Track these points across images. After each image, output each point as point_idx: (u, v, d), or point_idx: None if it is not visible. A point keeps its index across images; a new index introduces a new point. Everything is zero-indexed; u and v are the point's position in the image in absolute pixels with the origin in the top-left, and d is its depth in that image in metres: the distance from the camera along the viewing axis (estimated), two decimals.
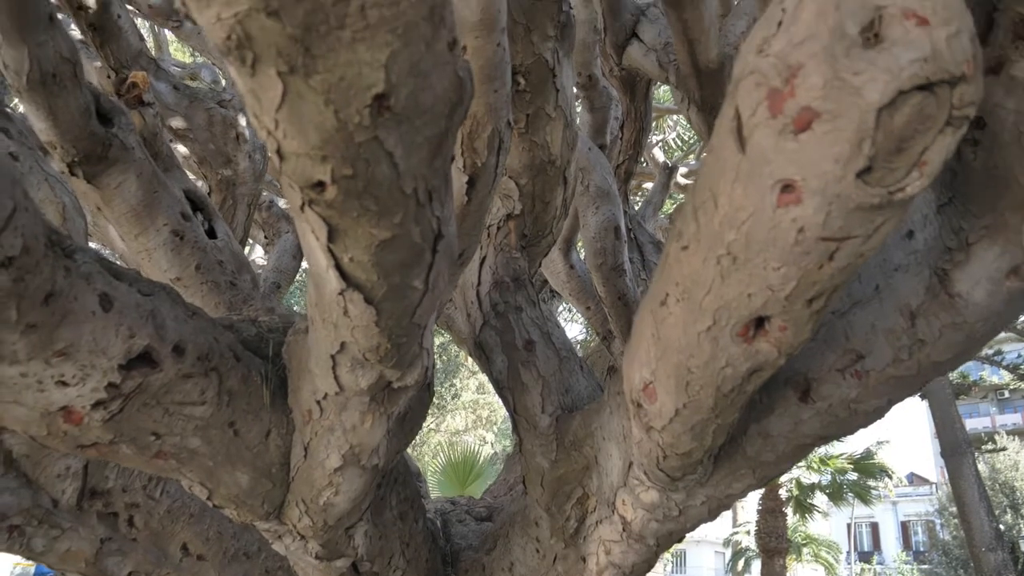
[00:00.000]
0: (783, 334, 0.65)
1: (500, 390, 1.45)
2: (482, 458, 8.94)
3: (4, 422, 0.94)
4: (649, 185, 4.97)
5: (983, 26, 0.70)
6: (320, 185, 0.60)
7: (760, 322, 0.66)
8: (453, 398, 14.61)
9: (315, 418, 1.09)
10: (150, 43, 4.36)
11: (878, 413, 0.94)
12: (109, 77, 2.60)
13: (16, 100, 1.24)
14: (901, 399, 0.93)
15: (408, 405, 1.15)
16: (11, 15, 1.06)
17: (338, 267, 0.72)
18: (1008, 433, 23.81)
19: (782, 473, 1.07)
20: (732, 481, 1.05)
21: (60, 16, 2.44)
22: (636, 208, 3.74)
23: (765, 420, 0.97)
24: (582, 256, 2.36)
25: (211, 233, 1.96)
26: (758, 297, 0.62)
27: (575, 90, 2.26)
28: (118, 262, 3.30)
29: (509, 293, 1.44)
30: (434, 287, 0.81)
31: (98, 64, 2.62)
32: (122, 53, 2.52)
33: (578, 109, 2.32)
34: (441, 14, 0.56)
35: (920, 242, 0.86)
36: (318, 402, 1.07)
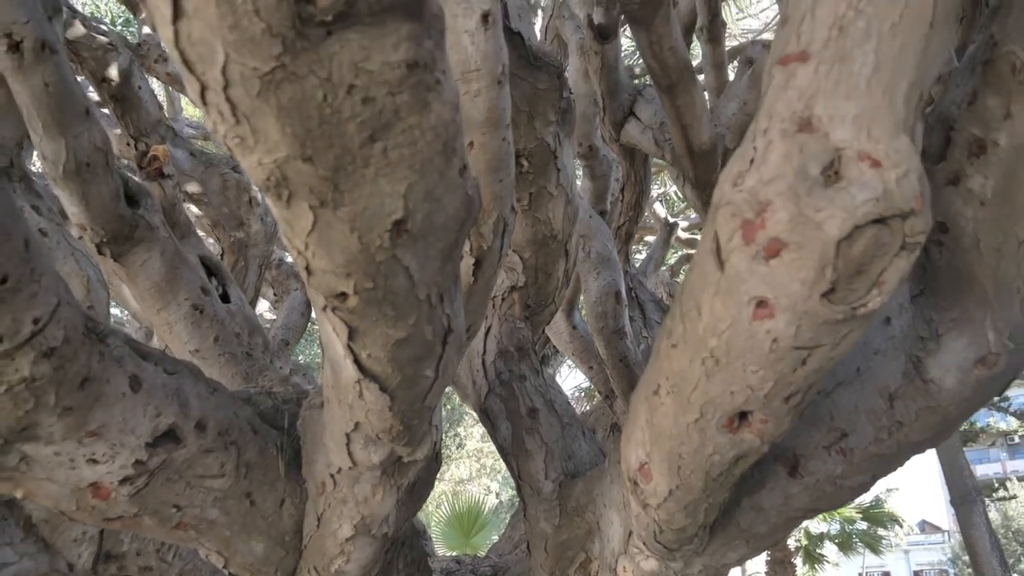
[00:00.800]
0: (765, 426, 0.71)
1: (505, 456, 1.50)
2: (486, 509, 8.89)
3: (36, 498, 1.00)
4: (651, 238, 5.05)
5: (942, 143, 0.77)
6: (343, 295, 0.67)
7: (743, 415, 0.72)
8: (458, 447, 14.53)
9: (329, 490, 1.14)
10: (163, 98, 4.49)
11: (863, 487, 0.99)
12: (128, 144, 2.70)
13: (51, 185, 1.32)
14: (884, 474, 0.98)
15: (417, 475, 1.21)
16: (52, 112, 1.15)
17: (356, 360, 0.79)
18: (1019, 479, 23.48)
19: (775, 543, 1.12)
20: (727, 551, 1.10)
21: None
22: (638, 264, 3.82)
23: (757, 494, 1.02)
24: (584, 315, 2.43)
25: (225, 297, 2.03)
26: (740, 395, 0.68)
27: (576, 160, 2.35)
28: (133, 322, 3.34)
29: (513, 362, 1.50)
30: (444, 374, 0.87)
31: (118, 131, 2.72)
32: (142, 122, 2.62)
33: (579, 176, 2.41)
34: (453, 146, 0.63)
35: (896, 328, 0.92)
36: (332, 475, 1.12)
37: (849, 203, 0.55)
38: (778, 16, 0.66)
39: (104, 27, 2.82)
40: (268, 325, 3.94)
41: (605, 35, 1.59)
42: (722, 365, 0.66)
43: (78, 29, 2.49)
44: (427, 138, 0.60)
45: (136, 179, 1.46)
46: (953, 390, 0.84)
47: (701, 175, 1.64)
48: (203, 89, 0.52)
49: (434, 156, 0.61)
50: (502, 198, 1.14)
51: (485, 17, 1.01)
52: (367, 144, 0.57)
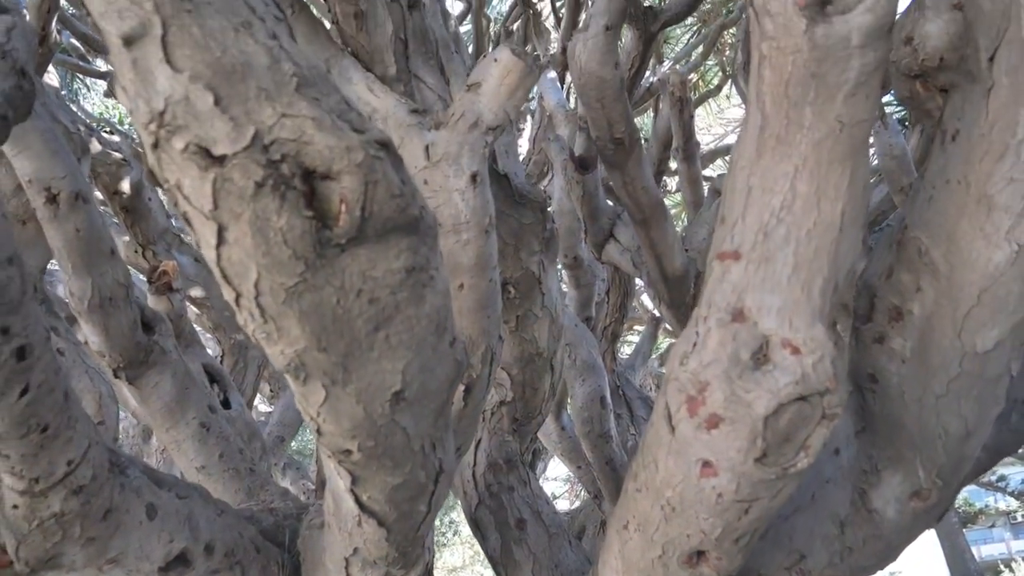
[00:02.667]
0: (720, 562, 0.80)
1: (495, 566, 1.57)
2: None
3: None
4: (640, 328, 5.18)
5: (868, 307, 0.89)
6: (348, 451, 0.77)
7: (701, 552, 0.81)
8: (454, 535, 14.29)
9: None
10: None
11: None
12: (136, 252, 2.83)
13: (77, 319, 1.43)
14: None
15: None
16: (81, 254, 1.27)
17: (357, 500, 0.88)
18: None
19: None
20: None
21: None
22: (625, 358, 3.92)
23: None
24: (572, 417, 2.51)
25: (226, 404, 2.12)
26: (695, 537, 0.77)
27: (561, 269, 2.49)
28: (130, 417, 3.38)
29: (502, 474, 1.58)
30: (436, 506, 0.96)
31: (126, 239, 2.86)
32: (150, 231, 2.76)
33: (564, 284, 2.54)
34: (444, 326, 0.74)
35: (844, 459, 1.02)
36: None
37: (774, 385, 0.66)
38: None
39: (117, 140, 2.98)
40: (264, 418, 4.01)
41: (585, 166, 1.74)
42: (678, 512, 0.76)
43: (95, 146, 2.64)
44: (422, 323, 0.71)
45: (151, 306, 1.57)
46: (894, 520, 0.94)
47: (675, 297, 1.76)
48: (238, 296, 0.63)
49: (428, 336, 0.72)
50: (489, 332, 1.25)
51: (474, 177, 1.14)
52: (372, 334, 0.68)
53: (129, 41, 0.58)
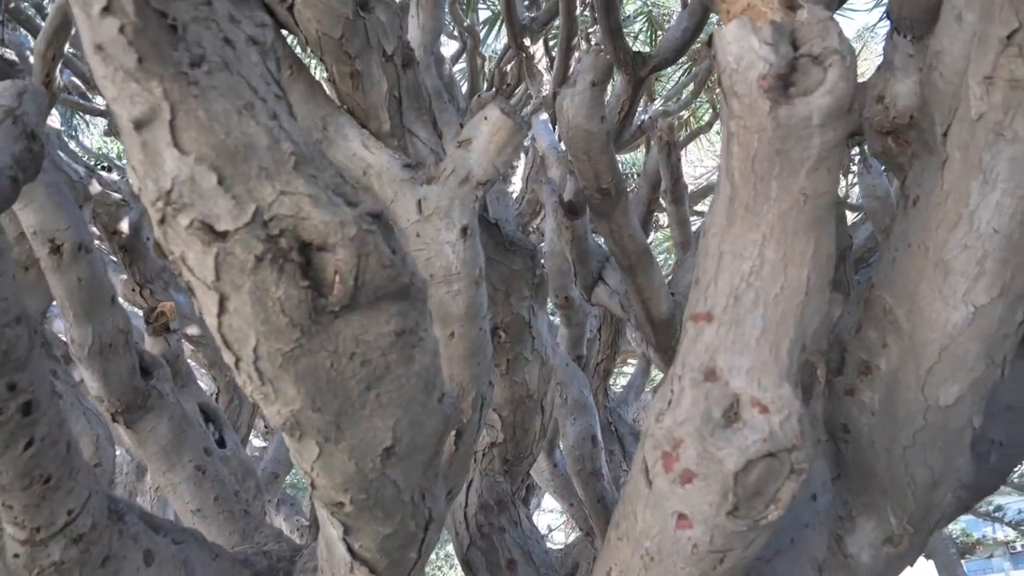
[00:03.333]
0: None
1: None
2: None
3: None
4: (633, 362, 5.21)
5: (839, 361, 0.93)
6: (341, 504, 0.80)
7: None
8: (450, 568, 14.16)
9: None
10: None
11: None
12: (133, 290, 2.87)
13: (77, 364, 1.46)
14: None
15: None
16: (82, 303, 1.31)
17: (349, 549, 0.91)
18: None
19: None
20: None
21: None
22: (620, 390, 3.95)
23: None
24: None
25: (221, 442, 2.14)
26: None
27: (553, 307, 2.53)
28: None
29: (493, 515, 1.61)
30: (426, 553, 0.99)
31: (124, 277, 2.89)
32: (148, 270, 2.80)
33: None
34: (433, 383, 0.78)
35: (821, 505, 1.05)
36: None
37: (743, 442, 0.70)
38: None
39: (116, 178, 3.03)
40: (258, 454, 4.01)
41: (574, 212, 1.79)
42: (656, 561, 0.79)
43: (95, 187, 2.69)
44: (412, 382, 0.75)
45: (148, 349, 1.60)
46: (868, 565, 0.97)
47: (662, 341, 1.81)
48: (237, 361, 0.67)
49: (417, 394, 0.76)
50: (480, 378, 1.29)
51: (464, 230, 1.18)
52: (364, 393, 0.72)
53: (139, 125, 0.63)
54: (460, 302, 1.20)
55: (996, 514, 15.95)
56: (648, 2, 4.88)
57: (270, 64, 0.72)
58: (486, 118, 1.18)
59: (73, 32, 2.25)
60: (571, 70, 2.93)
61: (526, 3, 3.47)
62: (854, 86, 0.72)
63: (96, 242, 2.24)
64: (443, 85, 3.04)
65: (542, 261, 1.61)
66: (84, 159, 3.44)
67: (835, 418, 0.95)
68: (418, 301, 0.73)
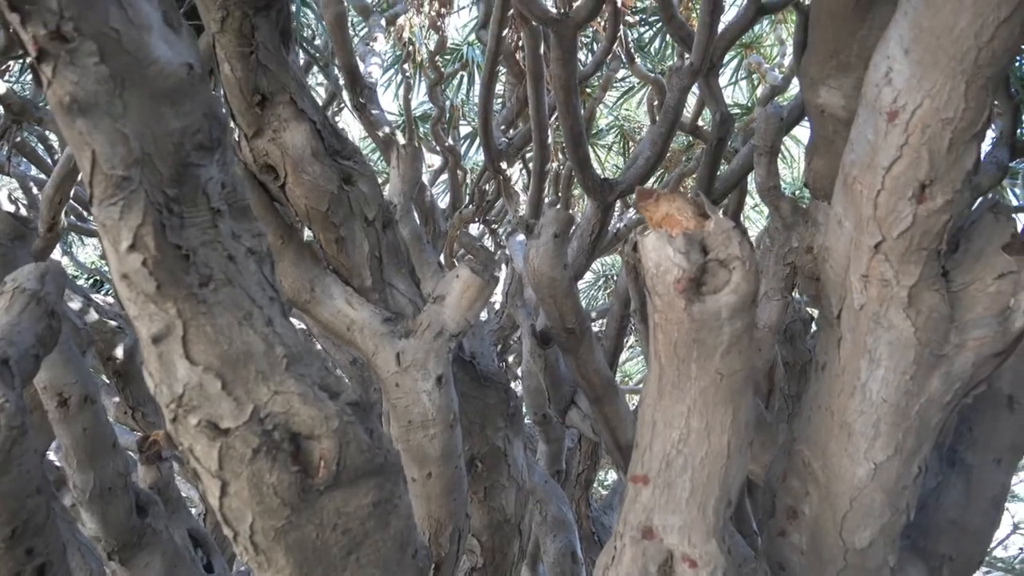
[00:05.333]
0: None
1: None
2: None
3: None
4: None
5: (771, 504, 1.05)
6: None
7: None
8: None
9: None
10: None
11: None
12: (126, 413, 2.95)
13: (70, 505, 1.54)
14: None
15: None
16: (86, 450, 1.41)
17: None
18: None
19: None
20: None
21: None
22: (606, 493, 4.00)
23: None
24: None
25: (209, 567, 2.19)
26: None
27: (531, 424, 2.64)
28: None
29: None
30: None
31: (116, 400, 2.97)
32: (140, 394, 2.89)
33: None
34: (407, 541, 0.89)
35: None
36: None
37: None
38: None
39: (111, 302, 3.16)
40: (244, 567, 3.99)
41: (546, 341, 1.92)
42: None
43: (92, 316, 2.81)
44: (388, 544, 0.85)
45: (146, 491, 1.69)
46: None
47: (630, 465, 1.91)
48: (235, 535, 0.78)
49: (393, 553, 0.86)
50: (456, 513, 1.38)
51: (439, 379, 1.30)
52: (345, 558, 0.82)
53: (156, 340, 0.76)
54: (436, 445, 1.31)
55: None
56: (620, 117, 5.18)
57: (265, 270, 0.85)
58: (458, 276, 1.32)
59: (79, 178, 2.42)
60: (544, 193, 3.13)
61: (503, 127, 3.71)
62: (755, 286, 0.86)
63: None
64: (425, 210, 3.23)
65: (517, 391, 1.72)
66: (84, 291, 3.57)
67: (772, 556, 1.05)
68: (392, 474, 0.84)
